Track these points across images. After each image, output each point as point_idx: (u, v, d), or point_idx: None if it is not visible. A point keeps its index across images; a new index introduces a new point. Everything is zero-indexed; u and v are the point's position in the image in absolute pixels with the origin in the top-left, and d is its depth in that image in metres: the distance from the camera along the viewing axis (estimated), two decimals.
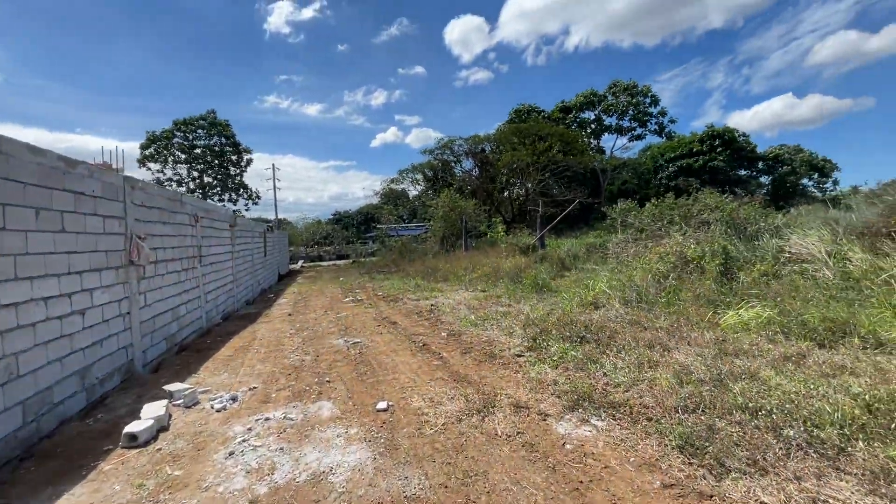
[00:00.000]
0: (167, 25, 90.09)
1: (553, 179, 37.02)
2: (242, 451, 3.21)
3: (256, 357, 6.12)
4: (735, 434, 2.90)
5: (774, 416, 2.98)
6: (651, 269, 8.83)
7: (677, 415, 3.27)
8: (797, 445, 2.69)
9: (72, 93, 78.75)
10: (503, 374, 4.71)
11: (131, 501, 2.68)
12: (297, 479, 2.83)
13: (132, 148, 38.52)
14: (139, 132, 38.04)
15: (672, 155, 40.41)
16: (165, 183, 37.95)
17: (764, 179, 43.99)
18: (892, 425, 2.75)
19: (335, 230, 45.14)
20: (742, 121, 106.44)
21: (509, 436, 3.26)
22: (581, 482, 2.65)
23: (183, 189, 37.85)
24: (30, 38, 66.48)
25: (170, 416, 3.97)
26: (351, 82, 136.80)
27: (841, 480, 2.39)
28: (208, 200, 39.18)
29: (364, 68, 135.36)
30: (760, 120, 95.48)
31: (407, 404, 4.01)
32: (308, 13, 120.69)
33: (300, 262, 31.83)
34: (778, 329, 5.31)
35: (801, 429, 2.81)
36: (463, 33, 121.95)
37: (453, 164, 41.56)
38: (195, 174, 39.92)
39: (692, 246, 8.92)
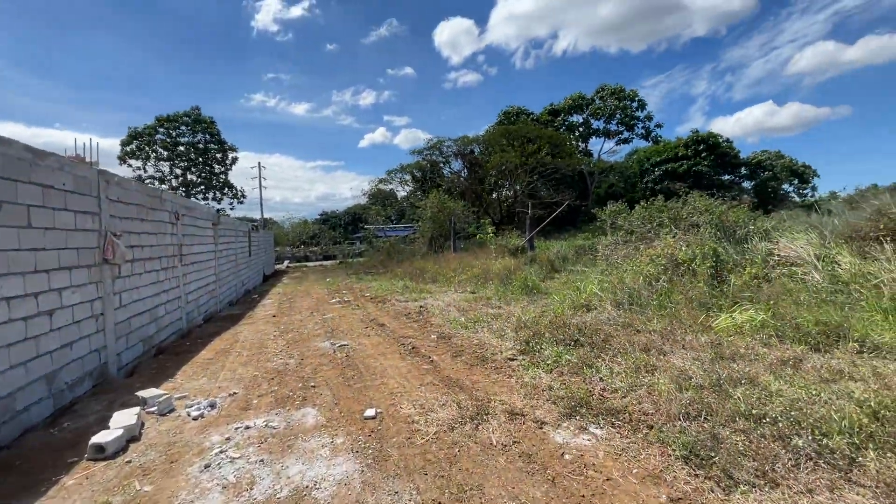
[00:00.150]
0: (150, 19, 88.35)
1: (541, 181, 37.14)
2: (219, 464, 2.98)
3: (238, 360, 5.86)
4: (740, 443, 2.78)
5: (780, 424, 2.87)
6: (642, 271, 8.77)
7: (679, 422, 3.14)
8: (806, 456, 2.57)
9: (49, 87, 76.60)
10: (496, 379, 4.54)
11: None
12: (277, 496, 2.62)
13: (113, 144, 37.57)
14: (121, 129, 37.09)
15: (658, 159, 40.84)
16: (147, 180, 37.03)
17: (746, 184, 44.75)
18: None
19: (322, 230, 44.58)
20: (725, 127, 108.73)
21: (505, 445, 3.10)
22: (583, 496, 2.49)
23: (165, 187, 37.00)
24: (4, 30, 64.48)
25: (142, 424, 3.72)
26: (339, 82, 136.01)
27: (855, 493, 2.28)
28: (192, 199, 38.37)
29: (353, 68, 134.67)
30: (742, 126, 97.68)
31: (396, 411, 3.82)
32: (296, 11, 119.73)
33: (286, 263, 31.33)
34: (772, 333, 5.25)
35: (810, 438, 2.70)
36: (452, 35, 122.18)
37: (442, 165, 41.44)
38: (178, 172, 39.05)
39: (683, 248, 8.89)
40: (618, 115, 46.47)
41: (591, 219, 33.29)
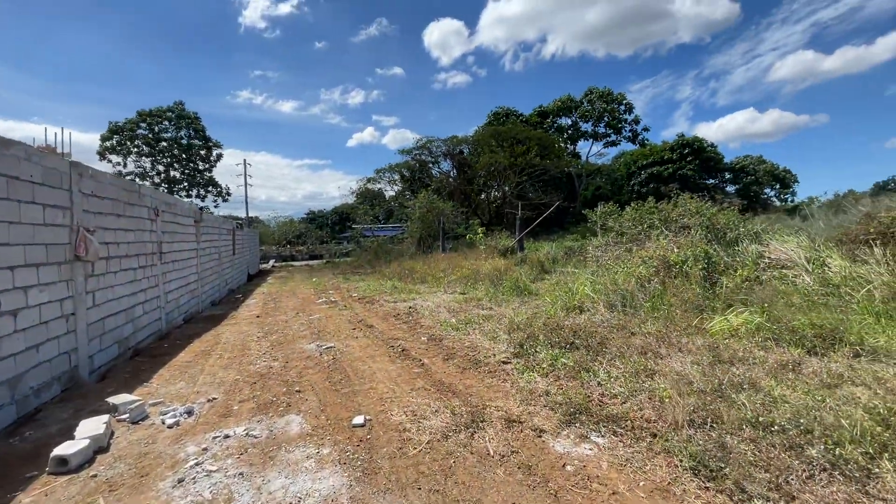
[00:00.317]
0: (131, 11, 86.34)
1: (530, 183, 37.21)
2: (194, 478, 2.75)
3: (219, 363, 5.59)
4: (750, 453, 2.65)
5: (790, 433, 2.75)
6: (634, 272, 8.70)
7: (684, 430, 3.00)
8: (821, 467, 2.45)
9: (26, 80, 74.30)
10: (490, 384, 4.37)
11: None
12: None
13: (94, 139, 36.52)
14: (102, 123, 36.08)
15: (644, 162, 41.24)
16: (128, 176, 36.07)
17: (730, 188, 45.48)
18: None
19: (309, 229, 43.97)
20: (708, 132, 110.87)
21: (503, 456, 2.92)
22: None
23: (147, 183, 36.08)
24: None
25: (112, 433, 3.45)
26: (328, 80, 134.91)
27: None
28: (175, 196, 37.53)
29: (342, 67, 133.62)
30: (725, 132, 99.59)
31: (387, 418, 3.61)
32: (285, 8, 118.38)
33: (271, 262, 30.78)
34: (768, 336, 5.18)
35: (822, 448, 2.57)
36: (442, 36, 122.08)
37: (431, 165, 41.27)
38: (161, 168, 38.13)
39: (674, 250, 8.84)
40: (605, 118, 46.87)
41: (579, 220, 33.46)
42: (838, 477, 2.39)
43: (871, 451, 2.54)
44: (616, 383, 3.98)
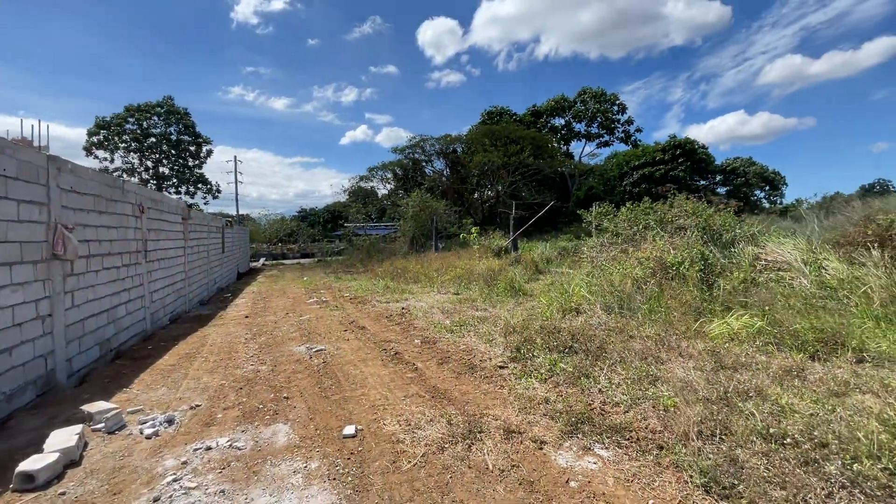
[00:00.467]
0: (120, 4, 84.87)
1: (523, 182, 37.15)
2: (171, 496, 2.55)
3: (204, 367, 5.37)
4: (763, 468, 2.51)
5: (805, 447, 2.62)
6: (630, 274, 8.59)
7: (691, 442, 2.86)
8: (839, 484, 2.32)
9: (12, 72, 72.68)
10: (487, 390, 4.20)
11: None
12: None
13: (81, 135, 35.66)
14: (90, 118, 35.11)
15: (637, 163, 41.33)
16: (115, 172, 35.38)
17: (721, 190, 45.80)
18: None
19: (300, 227, 43.51)
20: (699, 134, 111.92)
21: (502, 470, 2.75)
22: None
23: (135, 180, 35.41)
24: None
25: (85, 444, 3.23)
26: (321, 78, 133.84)
27: None
28: (164, 193, 36.89)
29: (335, 64, 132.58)
30: (716, 134, 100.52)
31: (379, 428, 3.43)
32: (278, 5, 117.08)
33: (262, 260, 30.39)
34: (769, 340, 5.09)
35: (840, 463, 2.45)
36: (436, 35, 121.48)
37: (424, 164, 41.05)
38: (149, 164, 37.45)
39: (671, 251, 8.75)
40: (599, 119, 46.92)
41: (572, 220, 33.47)
42: (858, 496, 2.25)
43: (890, 466, 2.41)
44: (618, 390, 3.84)
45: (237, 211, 40.60)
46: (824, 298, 6.32)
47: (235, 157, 40.96)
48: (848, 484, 2.31)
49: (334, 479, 2.71)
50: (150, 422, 3.59)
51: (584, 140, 49.14)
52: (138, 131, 36.38)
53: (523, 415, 3.56)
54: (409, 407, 3.83)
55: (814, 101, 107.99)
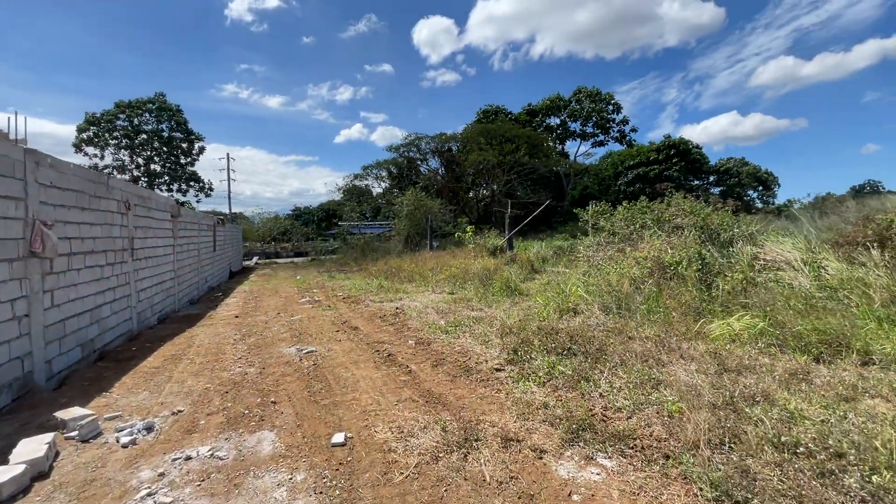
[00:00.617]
0: (114, 1, 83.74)
1: (518, 181, 37.04)
2: None
3: (189, 369, 5.16)
4: (777, 480, 2.37)
5: (820, 456, 2.48)
6: (627, 273, 8.47)
7: (699, 451, 2.71)
8: (859, 498, 2.17)
9: (1, 68, 71.55)
10: (483, 394, 4.04)
11: None
12: None
13: (71, 131, 34.85)
14: (82, 115, 34.40)
15: (631, 162, 41.37)
16: (105, 169, 34.85)
17: (714, 190, 45.97)
18: None
19: (294, 226, 43.08)
20: (693, 134, 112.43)
21: (501, 482, 2.59)
22: None
23: (126, 177, 34.90)
24: None
25: (56, 454, 3.04)
26: (316, 76, 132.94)
27: None
28: (155, 190, 36.40)
29: (330, 62, 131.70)
30: (709, 134, 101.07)
31: (370, 436, 3.26)
32: (272, 2, 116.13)
33: (255, 259, 30.07)
34: (771, 341, 4.97)
35: (858, 475, 2.31)
36: (432, 34, 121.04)
37: (419, 163, 40.83)
38: (140, 161, 36.93)
39: (668, 251, 8.64)
40: (594, 118, 46.91)
41: (567, 219, 33.40)
42: None
43: None
44: (619, 395, 3.69)
45: (230, 209, 40.12)
46: (825, 299, 6.21)
47: (228, 154, 40.46)
48: (868, 498, 2.17)
49: (321, 492, 2.54)
50: (128, 429, 3.40)
51: (579, 139, 49.15)
52: (129, 128, 35.84)
53: (522, 421, 3.40)
54: (401, 412, 3.66)
55: (806, 103, 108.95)
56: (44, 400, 4.30)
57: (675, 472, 2.58)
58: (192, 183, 39.51)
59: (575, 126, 48.22)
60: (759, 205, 47.21)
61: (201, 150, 39.59)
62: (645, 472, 2.64)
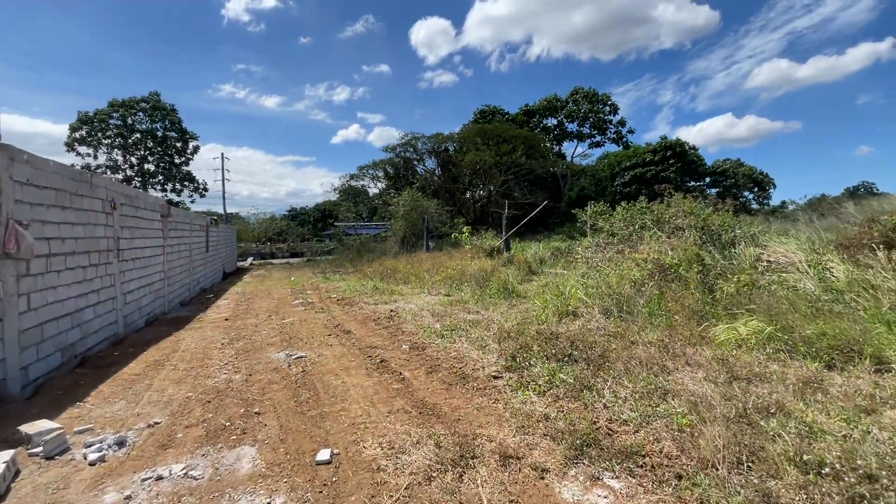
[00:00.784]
0: (110, 0, 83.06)
1: (515, 182, 36.87)
2: None
3: (171, 376, 4.91)
4: None
5: (849, 478, 2.26)
6: (627, 275, 8.27)
7: (714, 471, 2.50)
8: None
9: None
10: (480, 404, 3.81)
11: None
12: None
13: (65, 130, 34.34)
14: (75, 114, 33.92)
15: (628, 163, 41.26)
16: (98, 169, 34.44)
17: (710, 192, 45.97)
18: None
19: (290, 226, 42.79)
20: (688, 136, 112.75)
21: None
22: None
23: (119, 177, 34.49)
24: None
25: (16, 473, 2.79)
26: (313, 76, 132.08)
27: None
28: (150, 190, 36.04)
29: (327, 63, 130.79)
30: (705, 136, 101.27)
31: (358, 452, 3.02)
32: (270, 2, 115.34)
33: (249, 260, 29.76)
34: (780, 347, 4.77)
35: (894, 501, 2.10)
36: (429, 35, 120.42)
37: (416, 163, 40.59)
38: (133, 161, 36.52)
39: (669, 252, 8.45)
40: (591, 119, 46.80)
41: (564, 220, 33.25)
42: None
43: None
44: (625, 406, 3.47)
45: (224, 209, 39.78)
46: (831, 302, 6.03)
47: (223, 154, 40.18)
48: None
49: None
50: (98, 444, 3.15)
51: (576, 140, 49.01)
52: (122, 127, 35.44)
53: (521, 435, 3.17)
54: (393, 425, 3.43)
55: (800, 105, 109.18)
56: (14, 411, 4.04)
57: (691, 495, 2.36)
58: (186, 183, 39.15)
59: (572, 127, 48.11)
60: (755, 206, 47.24)
61: (196, 149, 39.27)
62: (657, 494, 2.42)
